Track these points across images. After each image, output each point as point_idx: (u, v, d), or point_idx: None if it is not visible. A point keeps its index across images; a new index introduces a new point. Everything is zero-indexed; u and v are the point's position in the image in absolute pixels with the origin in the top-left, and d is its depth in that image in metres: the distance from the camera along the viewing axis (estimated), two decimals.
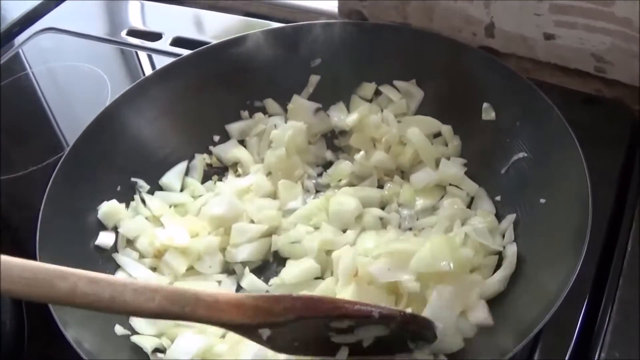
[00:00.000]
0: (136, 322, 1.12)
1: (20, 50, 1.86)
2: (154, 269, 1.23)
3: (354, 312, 0.91)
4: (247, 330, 0.91)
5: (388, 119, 1.34)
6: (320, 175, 1.38)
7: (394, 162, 1.33)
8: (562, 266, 0.98)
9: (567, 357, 1.02)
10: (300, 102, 1.42)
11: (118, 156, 1.30)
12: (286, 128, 1.35)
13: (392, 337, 0.95)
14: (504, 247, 1.13)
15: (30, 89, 1.76)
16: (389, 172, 1.33)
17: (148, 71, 1.67)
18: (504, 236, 1.16)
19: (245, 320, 0.89)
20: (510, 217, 1.17)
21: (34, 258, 1.06)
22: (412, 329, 0.96)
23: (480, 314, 1.05)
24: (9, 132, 1.62)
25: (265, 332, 0.90)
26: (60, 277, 0.78)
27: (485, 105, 1.27)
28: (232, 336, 1.09)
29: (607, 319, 1.04)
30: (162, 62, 1.39)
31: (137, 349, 1.08)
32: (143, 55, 1.74)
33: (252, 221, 1.27)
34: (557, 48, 1.38)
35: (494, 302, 1.07)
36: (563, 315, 0.96)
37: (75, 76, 1.74)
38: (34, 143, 1.58)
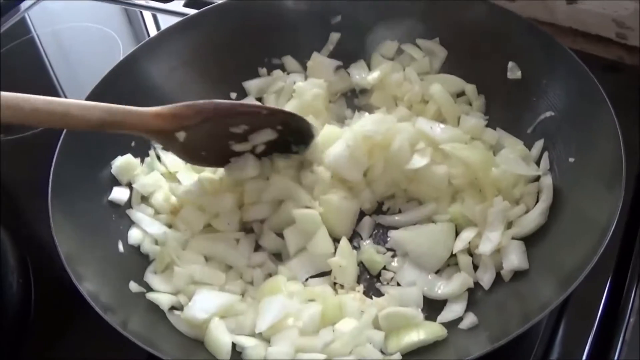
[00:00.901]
0: (151, 279, 1.10)
1: (26, 15, 1.83)
2: (169, 226, 1.20)
3: (247, 109, 1.19)
4: (167, 135, 1.10)
5: (410, 77, 1.32)
6: None
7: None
8: (600, 208, 0.96)
9: (590, 336, 1.00)
10: (320, 60, 1.39)
11: None
12: (309, 85, 1.32)
13: (279, 142, 1.19)
14: (539, 178, 1.12)
15: (35, 52, 1.73)
16: None
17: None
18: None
19: (166, 125, 1.08)
20: (539, 143, 1.16)
21: (45, 214, 1.06)
22: (293, 128, 1.19)
23: (515, 257, 1.04)
24: None
25: (181, 136, 1.10)
26: (24, 100, 0.94)
27: (510, 64, 1.24)
28: (251, 294, 1.10)
29: (632, 297, 1.03)
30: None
31: (154, 306, 1.05)
32: (156, 17, 1.70)
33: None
34: (578, 13, 1.36)
35: (532, 245, 1.06)
36: (586, 293, 0.98)
37: (85, 38, 1.72)
38: None
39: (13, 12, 1.86)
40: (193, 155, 1.17)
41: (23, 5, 1.87)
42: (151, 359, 0.91)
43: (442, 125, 1.21)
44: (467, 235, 1.09)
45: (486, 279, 1.05)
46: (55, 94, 1.59)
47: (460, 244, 1.08)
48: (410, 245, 1.12)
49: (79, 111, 1.00)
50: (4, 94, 0.93)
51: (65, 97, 1.58)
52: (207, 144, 1.15)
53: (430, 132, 1.19)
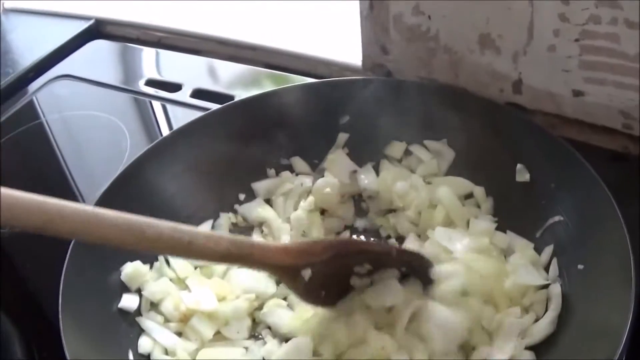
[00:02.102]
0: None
1: (34, 98, 1.85)
2: (179, 334, 1.18)
3: (380, 248, 1.19)
4: (292, 272, 1.05)
5: (417, 184, 1.32)
6: None
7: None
8: (612, 316, 0.96)
9: None
10: (341, 158, 1.40)
11: (141, 212, 1.22)
12: (324, 183, 1.34)
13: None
14: (548, 286, 1.12)
15: (44, 137, 1.73)
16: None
17: (168, 123, 1.65)
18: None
19: (292, 261, 1.04)
20: (549, 249, 1.16)
21: (55, 320, 1.04)
22: (415, 268, 1.14)
23: None
24: (21, 183, 1.59)
25: (307, 273, 1.05)
26: (148, 225, 0.91)
27: (519, 166, 1.24)
28: None
29: None
30: (182, 113, 1.37)
31: None
32: (162, 106, 1.72)
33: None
34: (585, 105, 1.37)
35: (539, 355, 1.05)
36: None
37: (91, 126, 1.72)
38: (47, 193, 1.55)
39: (21, 94, 1.87)
40: (314, 295, 1.10)
41: (31, 88, 1.88)
42: None
43: (462, 239, 1.21)
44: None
45: None
46: (65, 181, 1.59)
47: None
48: None
49: (205, 241, 0.96)
50: (125, 215, 0.90)
51: (77, 186, 1.58)
52: (328, 282, 1.09)
53: (450, 246, 1.19)
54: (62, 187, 1.57)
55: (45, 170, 1.64)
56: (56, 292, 1.07)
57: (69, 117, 1.77)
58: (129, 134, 1.63)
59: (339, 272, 1.09)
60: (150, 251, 1.03)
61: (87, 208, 0.89)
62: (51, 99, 1.84)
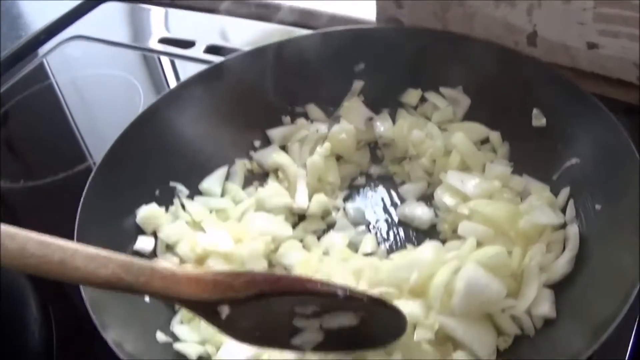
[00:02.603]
0: (178, 329, 1.09)
1: (44, 60, 1.85)
2: None
3: (318, 288, 0.87)
4: (205, 308, 0.86)
5: (432, 132, 1.32)
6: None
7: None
8: (628, 259, 0.95)
9: None
10: (357, 105, 1.40)
11: (157, 159, 1.27)
12: (339, 129, 1.34)
13: (360, 330, 0.91)
14: (565, 226, 1.12)
15: (54, 98, 1.74)
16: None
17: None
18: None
19: (203, 295, 0.84)
20: (565, 191, 1.16)
21: None
22: (379, 317, 0.92)
23: (545, 305, 1.03)
24: (29, 143, 1.62)
25: (225, 311, 0.85)
26: (9, 237, 0.74)
27: (535, 111, 1.24)
28: None
29: None
30: (196, 69, 1.37)
31: (180, 357, 1.04)
32: (174, 63, 1.72)
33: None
34: (600, 57, 1.37)
35: (559, 293, 1.05)
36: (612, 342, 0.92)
37: (104, 84, 1.73)
38: (55, 153, 1.57)
39: (31, 58, 1.87)
40: (242, 334, 0.90)
41: (41, 51, 1.88)
42: None
43: (474, 180, 1.21)
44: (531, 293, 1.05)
45: (527, 328, 1.04)
46: (75, 141, 1.59)
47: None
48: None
49: (84, 262, 0.78)
50: None
51: (86, 145, 1.58)
52: (261, 322, 0.89)
53: (462, 188, 1.19)
54: (70, 142, 1.59)
55: (55, 131, 1.65)
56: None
57: (81, 76, 1.77)
58: (143, 91, 1.63)
59: (273, 311, 0.88)
60: (15, 269, 0.77)
61: None
62: (62, 60, 1.85)
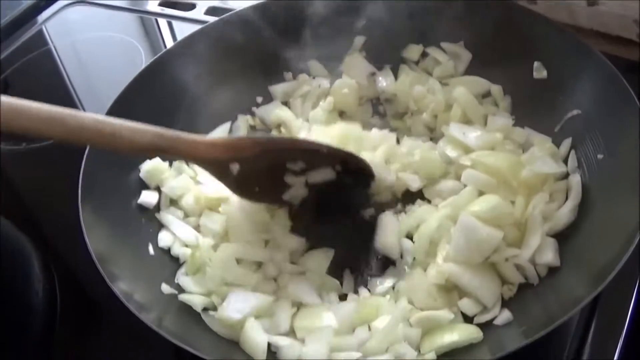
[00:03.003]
0: (184, 280, 1.10)
1: (43, 27, 1.85)
2: (199, 230, 1.19)
3: (307, 145, 1.13)
4: (220, 166, 1.06)
5: (434, 87, 1.33)
6: None
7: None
8: (630, 207, 0.96)
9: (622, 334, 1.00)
10: (358, 61, 1.40)
11: (161, 114, 1.25)
12: (341, 84, 1.35)
13: (336, 186, 1.14)
14: (567, 176, 1.13)
15: (52, 64, 1.75)
16: None
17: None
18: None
19: (219, 155, 1.05)
20: (567, 142, 1.17)
21: (70, 221, 1.05)
22: (352, 169, 1.14)
23: (549, 253, 1.04)
24: None
25: (235, 167, 1.06)
26: (71, 115, 0.89)
27: (536, 64, 1.25)
28: (284, 295, 1.09)
29: None
30: None
31: (187, 308, 1.05)
32: (172, 25, 1.72)
33: None
34: (600, 15, 1.37)
35: (562, 242, 1.06)
36: (616, 292, 0.99)
37: (105, 47, 1.73)
38: None
39: (31, 24, 1.87)
40: (246, 189, 1.13)
41: (40, 18, 1.88)
42: None
43: (475, 132, 1.21)
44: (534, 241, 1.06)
45: (531, 276, 1.05)
46: (73, 105, 1.59)
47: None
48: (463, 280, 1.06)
49: (130, 133, 0.95)
50: (48, 106, 0.87)
51: (83, 108, 1.59)
52: (260, 178, 1.12)
53: (464, 139, 1.20)
54: (72, 107, 1.56)
55: (55, 95, 1.65)
56: (72, 203, 1.07)
57: (81, 40, 1.78)
58: (144, 53, 1.63)
59: (270, 168, 1.10)
60: (75, 142, 0.95)
61: (5, 99, 0.85)
62: (62, 25, 1.85)
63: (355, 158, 1.16)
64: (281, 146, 1.12)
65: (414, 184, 1.22)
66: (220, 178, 1.10)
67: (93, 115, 0.91)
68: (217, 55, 1.36)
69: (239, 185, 1.11)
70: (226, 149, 1.06)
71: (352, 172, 1.16)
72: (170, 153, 1.03)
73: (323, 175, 1.14)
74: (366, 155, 1.20)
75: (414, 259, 1.11)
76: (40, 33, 1.83)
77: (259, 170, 1.09)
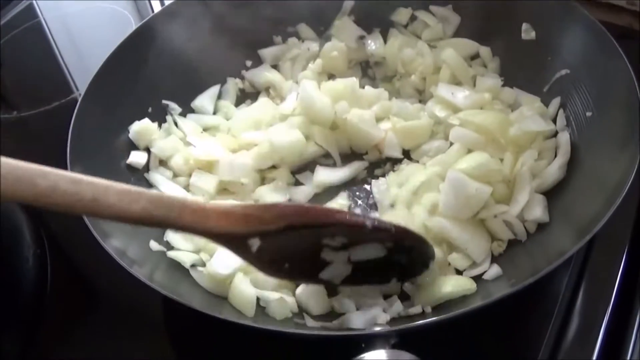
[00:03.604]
0: (172, 237, 1.10)
1: (33, 0, 1.84)
2: (188, 190, 1.20)
3: (346, 219, 0.88)
4: (236, 241, 0.86)
5: (423, 50, 1.33)
6: None
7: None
8: (618, 163, 0.96)
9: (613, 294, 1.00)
10: (347, 24, 1.40)
11: (150, 77, 1.27)
12: (331, 47, 1.35)
13: (387, 263, 0.93)
14: (556, 134, 1.14)
15: (42, 36, 1.74)
16: None
17: None
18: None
19: (234, 228, 0.84)
20: (556, 101, 1.17)
21: None
22: (407, 246, 0.93)
23: (537, 210, 1.04)
24: (20, 79, 1.63)
25: (255, 243, 0.85)
26: (41, 176, 0.71)
27: (524, 25, 1.25)
28: None
29: None
30: None
31: (176, 264, 1.05)
32: None
33: None
34: None
35: (551, 199, 1.06)
36: (606, 253, 1.01)
37: (95, 18, 1.73)
38: (44, 88, 1.59)
39: None
40: (272, 267, 0.91)
41: None
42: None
43: (464, 92, 1.22)
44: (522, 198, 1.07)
45: (519, 233, 1.05)
46: (63, 78, 1.60)
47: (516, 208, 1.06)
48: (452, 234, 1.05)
49: (117, 199, 0.76)
50: (12, 161, 0.70)
51: (74, 82, 1.58)
52: (290, 254, 0.90)
53: (452, 99, 1.20)
54: (61, 78, 1.60)
55: (44, 66, 1.65)
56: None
57: (71, 12, 1.77)
58: (134, 21, 1.63)
59: (302, 243, 0.88)
60: (47, 207, 0.73)
61: None
62: None
63: (411, 235, 0.94)
64: (314, 220, 0.86)
65: (395, 152, 1.22)
66: (237, 253, 0.88)
67: (71, 174, 0.74)
68: (206, 19, 1.35)
69: (262, 262, 0.89)
70: (244, 220, 0.84)
71: (407, 249, 0.94)
72: (170, 225, 0.83)
73: (369, 252, 0.91)
74: (359, 112, 1.20)
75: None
76: (30, 6, 1.82)
77: (288, 247, 0.88)
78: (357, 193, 1.21)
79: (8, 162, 0.70)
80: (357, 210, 1.18)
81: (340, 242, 0.88)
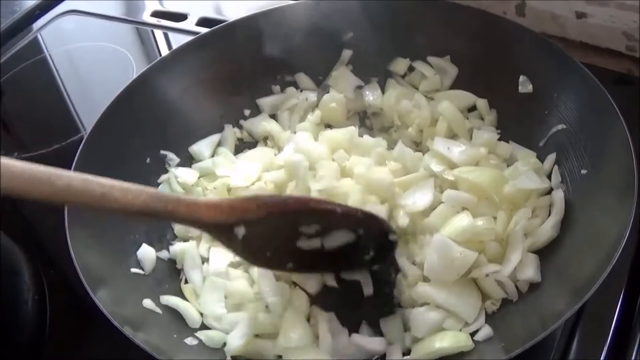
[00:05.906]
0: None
1: (38, 34, 1.86)
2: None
3: (321, 206, 1.05)
4: (224, 230, 0.98)
5: (420, 102, 1.33)
6: None
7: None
8: (612, 222, 0.97)
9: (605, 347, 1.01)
10: (345, 74, 1.41)
11: (148, 127, 1.28)
12: (330, 98, 1.36)
13: (356, 246, 1.06)
14: (551, 191, 1.14)
15: (48, 70, 1.75)
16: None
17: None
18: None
19: (221, 218, 0.96)
20: (551, 157, 1.17)
21: (59, 230, 1.05)
22: (374, 230, 1.08)
23: (530, 270, 1.04)
24: (24, 116, 1.64)
25: (240, 231, 0.97)
26: (56, 176, 0.83)
27: (522, 78, 1.25)
28: None
29: None
30: None
31: (171, 324, 1.08)
32: (168, 35, 1.73)
33: None
34: (588, 27, 1.38)
35: (544, 258, 1.07)
36: (599, 306, 1.01)
37: (98, 57, 1.74)
38: (49, 125, 1.59)
39: (26, 32, 1.88)
40: (255, 255, 1.04)
41: (35, 26, 1.89)
42: None
43: (460, 147, 1.21)
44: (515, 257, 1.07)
45: (511, 292, 1.06)
46: (68, 113, 1.61)
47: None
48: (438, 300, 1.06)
49: (122, 195, 0.87)
50: (33, 166, 0.81)
51: (79, 117, 1.60)
52: (271, 243, 1.03)
53: (448, 154, 1.20)
54: (65, 117, 1.61)
55: (49, 104, 1.66)
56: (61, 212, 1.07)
57: (75, 50, 1.79)
58: (135, 63, 1.64)
59: (281, 232, 1.02)
60: (62, 203, 0.95)
61: None
62: (56, 34, 1.86)
63: (375, 219, 1.09)
64: (291, 208, 1.02)
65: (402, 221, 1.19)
66: (226, 243, 1.01)
67: (82, 175, 0.85)
68: (205, 69, 1.36)
69: (248, 251, 1.03)
70: (230, 210, 0.97)
71: (374, 235, 1.09)
72: (167, 217, 0.95)
73: (340, 237, 1.04)
74: (358, 160, 1.21)
75: None
76: (35, 41, 1.84)
77: (268, 234, 1.01)
78: None
79: (29, 166, 0.81)
80: None
81: (315, 229, 1.02)
